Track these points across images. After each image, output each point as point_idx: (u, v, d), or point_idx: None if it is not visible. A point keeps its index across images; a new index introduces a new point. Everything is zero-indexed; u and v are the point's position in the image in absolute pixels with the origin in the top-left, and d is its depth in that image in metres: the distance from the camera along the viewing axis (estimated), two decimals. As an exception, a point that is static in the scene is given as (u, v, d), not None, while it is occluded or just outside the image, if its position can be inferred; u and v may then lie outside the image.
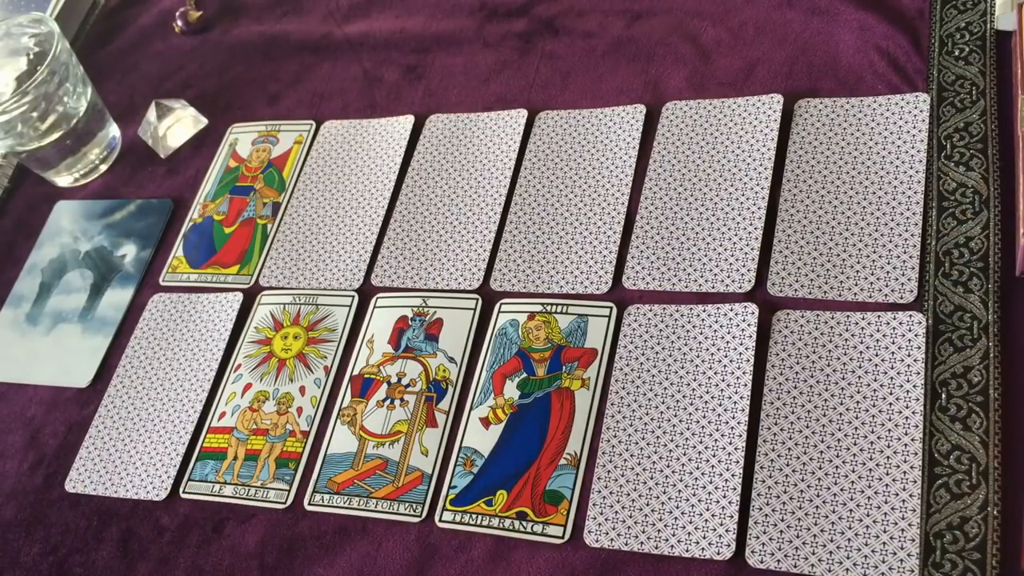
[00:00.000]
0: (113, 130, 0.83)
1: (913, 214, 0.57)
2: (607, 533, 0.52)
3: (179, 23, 0.89)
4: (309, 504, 0.58)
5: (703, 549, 0.50)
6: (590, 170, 0.66)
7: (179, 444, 0.63)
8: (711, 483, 0.51)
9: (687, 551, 0.50)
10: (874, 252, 0.56)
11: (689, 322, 0.57)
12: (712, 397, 0.54)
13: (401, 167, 0.72)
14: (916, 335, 0.53)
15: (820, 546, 0.48)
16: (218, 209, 0.75)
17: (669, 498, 0.52)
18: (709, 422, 0.53)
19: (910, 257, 0.55)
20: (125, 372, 0.68)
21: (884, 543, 0.47)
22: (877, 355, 0.53)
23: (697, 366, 0.55)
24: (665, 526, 0.51)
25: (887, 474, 0.49)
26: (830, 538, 0.48)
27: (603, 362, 0.58)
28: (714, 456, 0.52)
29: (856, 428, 0.51)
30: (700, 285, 0.59)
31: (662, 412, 0.55)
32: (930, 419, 0.50)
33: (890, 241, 0.56)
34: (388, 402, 0.60)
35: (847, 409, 0.52)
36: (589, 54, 0.73)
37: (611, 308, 0.59)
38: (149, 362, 0.68)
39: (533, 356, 0.59)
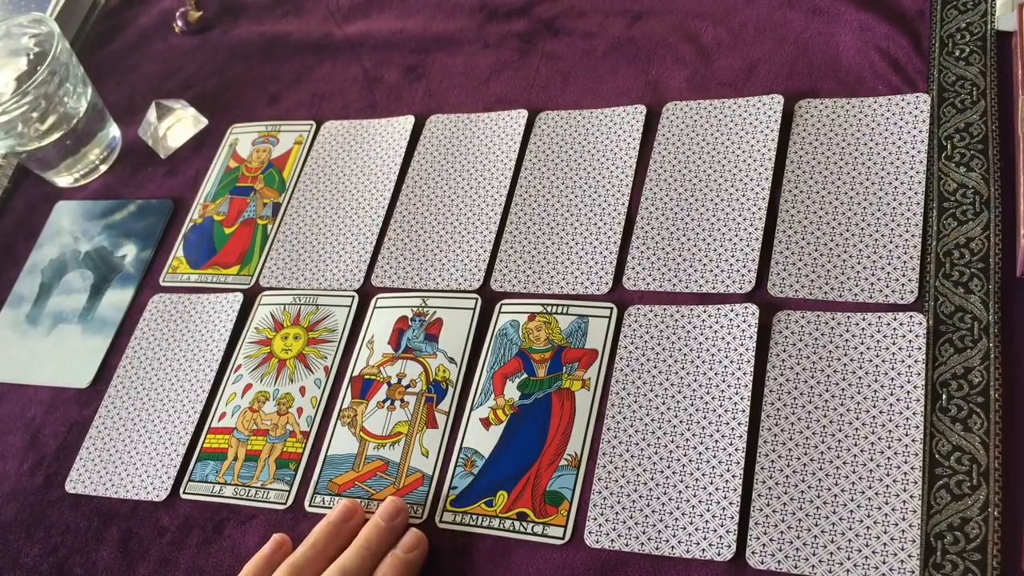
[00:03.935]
0: (113, 130, 0.83)
1: (913, 215, 0.57)
2: (607, 534, 0.52)
3: (179, 23, 0.89)
4: (310, 505, 0.58)
5: (703, 550, 0.50)
6: (590, 170, 0.66)
7: (179, 444, 0.63)
8: (712, 484, 0.51)
9: (688, 552, 0.50)
10: (875, 253, 0.56)
11: (690, 323, 0.57)
12: (713, 398, 0.54)
13: (401, 167, 0.72)
14: (917, 336, 0.53)
15: (821, 547, 0.48)
16: (218, 209, 0.75)
17: (670, 499, 0.52)
18: (710, 423, 0.53)
19: (911, 258, 0.55)
20: (125, 372, 0.68)
21: (885, 544, 0.47)
22: (878, 356, 0.53)
23: (698, 367, 0.56)
24: (666, 527, 0.51)
25: (888, 475, 0.49)
26: (831, 539, 0.48)
27: (604, 363, 0.58)
28: (715, 457, 0.52)
29: (857, 429, 0.51)
30: (700, 286, 0.59)
31: (662, 413, 0.55)
32: (931, 420, 0.50)
33: (891, 242, 0.56)
34: (388, 403, 0.60)
35: (848, 410, 0.52)
36: (589, 54, 0.73)
37: (612, 309, 0.59)
38: (149, 362, 0.68)
39: (533, 357, 0.59)
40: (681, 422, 0.54)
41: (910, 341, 0.53)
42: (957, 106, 0.60)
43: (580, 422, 0.56)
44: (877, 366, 0.53)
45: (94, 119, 0.80)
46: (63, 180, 0.82)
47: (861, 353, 0.53)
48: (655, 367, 0.56)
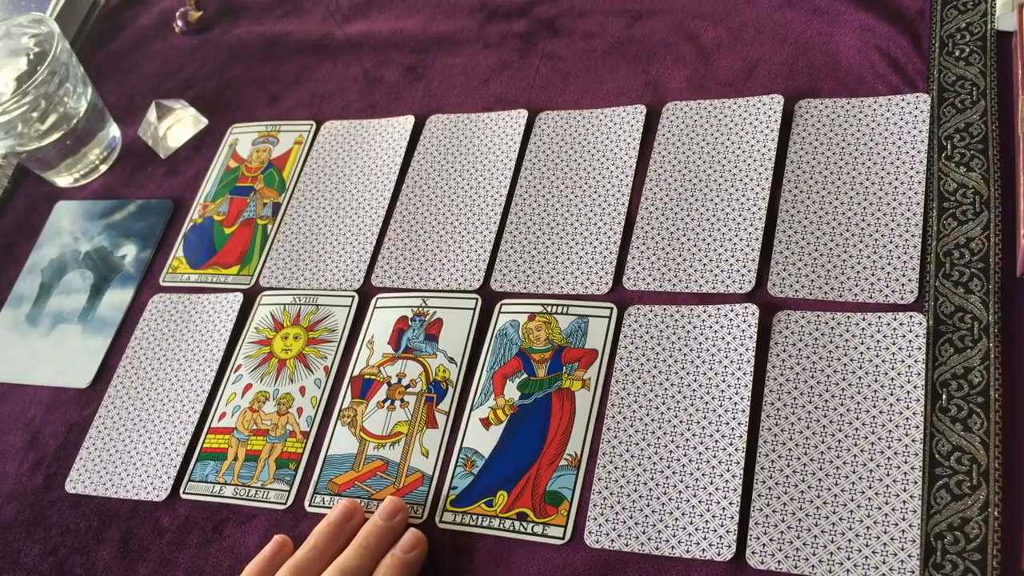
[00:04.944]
0: (113, 130, 0.83)
1: (914, 215, 0.57)
2: (607, 534, 0.52)
3: (179, 23, 0.89)
4: (310, 505, 0.58)
5: (703, 550, 0.50)
6: (590, 170, 0.66)
7: (179, 444, 0.63)
8: (712, 484, 0.51)
9: (688, 552, 0.50)
10: (875, 253, 0.56)
11: (690, 323, 0.57)
12: (713, 398, 0.54)
13: (401, 167, 0.72)
14: (917, 336, 0.53)
15: (821, 547, 0.48)
16: (218, 209, 0.75)
17: (670, 499, 0.52)
18: (710, 423, 0.53)
19: (911, 258, 0.55)
20: (125, 372, 0.68)
21: (885, 544, 0.47)
22: (878, 356, 0.53)
23: (698, 367, 0.56)
24: (666, 527, 0.51)
25: (888, 475, 0.49)
26: (831, 539, 0.48)
27: (603, 363, 0.58)
28: (715, 457, 0.52)
29: (857, 429, 0.51)
30: (700, 286, 0.59)
31: (662, 413, 0.55)
32: (931, 420, 0.50)
33: (891, 242, 0.56)
34: (388, 403, 0.60)
35: (848, 410, 0.52)
36: (589, 54, 0.73)
37: (611, 309, 0.59)
38: (149, 362, 0.68)
39: (533, 357, 0.59)
40: (681, 422, 0.54)
41: (910, 341, 0.53)
42: (957, 106, 0.60)
43: (580, 422, 0.56)
44: (877, 366, 0.53)
45: (94, 119, 0.80)
46: (63, 180, 0.82)
47: (861, 353, 0.53)
48: (655, 367, 0.56)
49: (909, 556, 0.47)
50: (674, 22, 0.72)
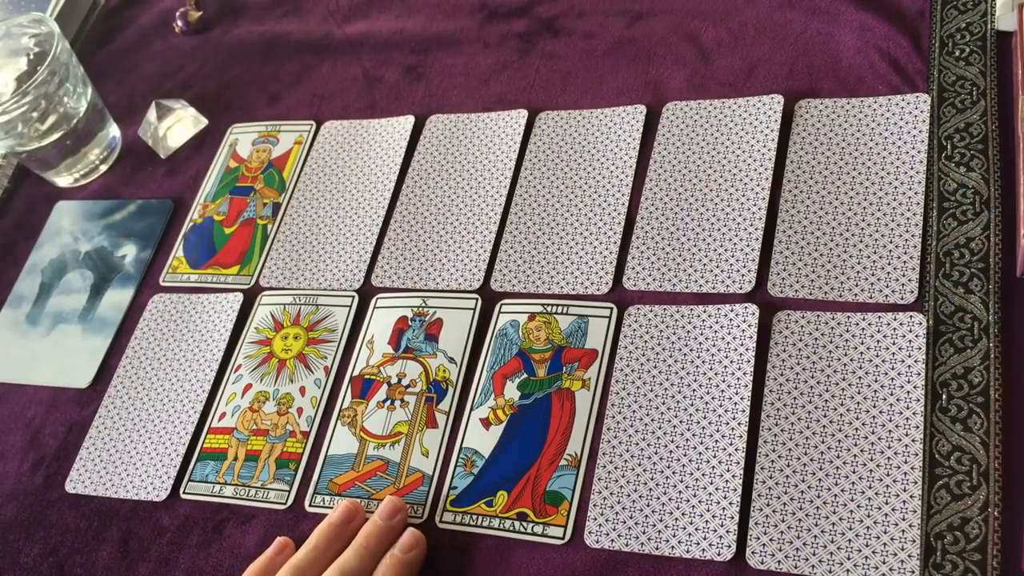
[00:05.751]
0: (113, 130, 0.83)
1: (914, 215, 0.57)
2: (607, 534, 0.52)
3: (179, 23, 0.89)
4: (310, 506, 0.58)
5: (703, 550, 0.50)
6: (590, 170, 0.66)
7: (179, 444, 0.63)
8: (712, 484, 0.51)
9: (688, 552, 0.50)
10: (875, 253, 0.56)
11: (690, 323, 0.57)
12: (713, 398, 0.54)
13: (401, 167, 0.72)
14: (917, 336, 0.53)
15: (821, 547, 0.48)
16: (218, 209, 0.75)
17: (670, 499, 0.52)
18: (710, 423, 0.53)
19: (911, 258, 0.55)
20: (125, 372, 0.68)
21: (885, 544, 0.47)
22: (878, 356, 0.53)
23: (698, 367, 0.56)
24: (666, 527, 0.51)
25: (888, 475, 0.49)
26: (831, 539, 0.48)
27: (604, 363, 0.58)
28: (715, 457, 0.52)
29: (857, 429, 0.51)
30: (701, 286, 0.59)
31: (662, 413, 0.55)
32: (931, 420, 0.50)
33: (891, 242, 0.56)
34: (388, 403, 0.60)
35: (848, 410, 0.52)
36: (589, 54, 0.73)
37: (611, 309, 0.59)
38: (149, 362, 0.68)
39: (533, 357, 0.59)
40: (681, 422, 0.54)
41: (910, 341, 0.53)
42: (957, 106, 0.60)
43: (580, 422, 0.56)
44: (877, 366, 0.53)
45: (94, 119, 0.80)
46: (63, 180, 0.82)
47: (861, 353, 0.53)
48: (655, 367, 0.56)
49: (909, 556, 0.47)
50: (674, 22, 0.72)
